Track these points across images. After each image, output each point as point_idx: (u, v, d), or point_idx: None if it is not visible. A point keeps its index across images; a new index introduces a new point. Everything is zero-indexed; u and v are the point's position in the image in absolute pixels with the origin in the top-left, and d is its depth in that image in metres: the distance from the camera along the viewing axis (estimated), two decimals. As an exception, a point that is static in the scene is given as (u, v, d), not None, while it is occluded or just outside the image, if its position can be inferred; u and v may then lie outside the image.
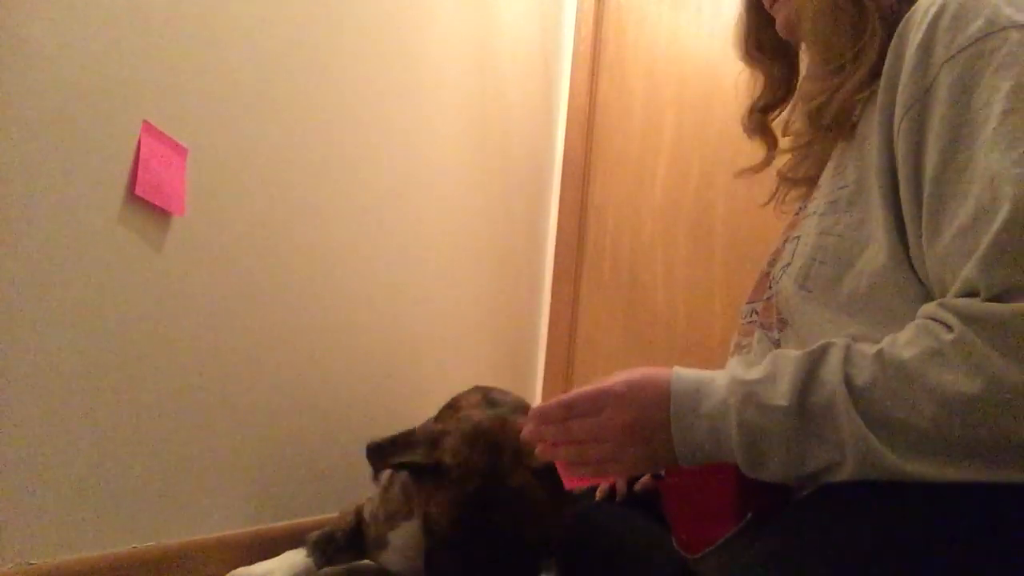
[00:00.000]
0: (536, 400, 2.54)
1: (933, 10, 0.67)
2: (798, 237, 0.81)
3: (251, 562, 1.17)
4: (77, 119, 0.90)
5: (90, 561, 0.92)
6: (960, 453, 0.58)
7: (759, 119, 0.98)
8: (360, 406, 1.50)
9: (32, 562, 0.86)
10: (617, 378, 0.72)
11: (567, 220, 2.61)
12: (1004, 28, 0.63)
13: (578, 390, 0.74)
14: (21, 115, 0.84)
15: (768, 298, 0.86)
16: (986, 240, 0.58)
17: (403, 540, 1.13)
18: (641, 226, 2.54)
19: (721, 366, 0.75)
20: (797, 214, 0.91)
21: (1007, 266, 0.57)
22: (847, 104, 0.76)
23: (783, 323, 0.82)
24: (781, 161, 0.96)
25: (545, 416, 0.76)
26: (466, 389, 1.27)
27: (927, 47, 0.66)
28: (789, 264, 0.79)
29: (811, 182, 0.91)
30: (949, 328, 0.59)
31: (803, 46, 0.91)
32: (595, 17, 2.65)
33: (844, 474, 0.62)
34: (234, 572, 1.08)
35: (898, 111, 0.68)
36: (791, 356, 0.65)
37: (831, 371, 0.63)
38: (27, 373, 0.86)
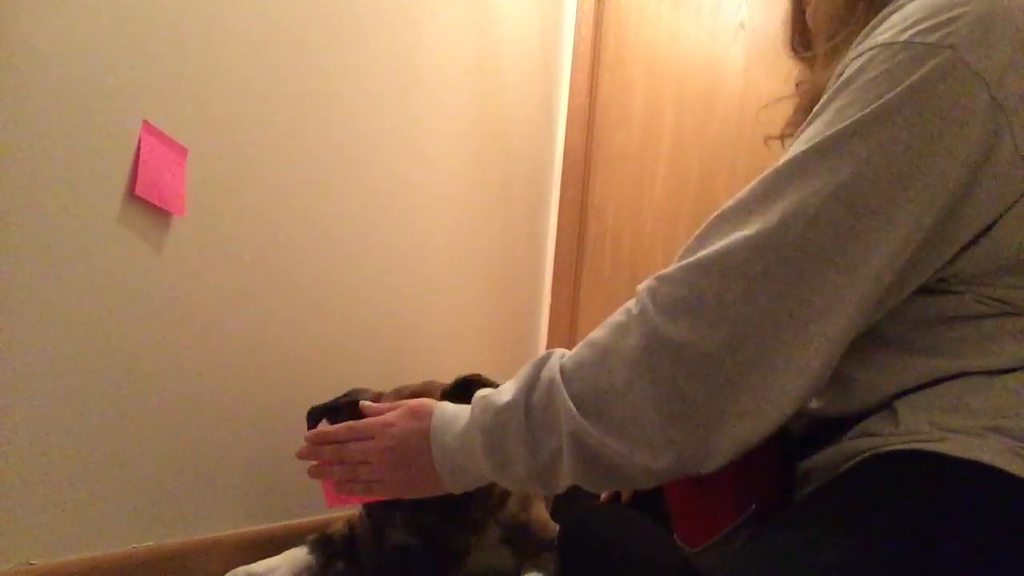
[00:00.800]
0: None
1: (892, 6, 0.67)
2: None
3: (251, 562, 1.17)
4: (77, 119, 0.90)
5: (90, 561, 0.92)
6: (647, 415, 0.62)
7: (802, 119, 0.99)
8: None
9: (32, 562, 0.86)
10: (395, 411, 0.81)
11: (567, 220, 2.61)
12: (889, 44, 0.62)
13: (352, 422, 0.83)
14: (21, 115, 0.84)
15: None
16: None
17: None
18: (641, 226, 2.54)
19: None
20: None
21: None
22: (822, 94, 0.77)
23: None
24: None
25: (325, 436, 0.85)
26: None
27: (877, 30, 0.67)
28: None
29: None
30: (637, 301, 0.67)
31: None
32: (595, 17, 2.65)
33: (567, 459, 0.66)
34: (235, 571, 1.08)
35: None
36: (523, 368, 0.72)
37: (551, 366, 0.69)
38: (27, 373, 0.86)
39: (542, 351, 2.54)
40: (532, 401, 0.69)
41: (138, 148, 0.98)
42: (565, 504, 1.18)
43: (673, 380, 0.61)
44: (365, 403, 0.88)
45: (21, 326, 0.85)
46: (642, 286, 0.68)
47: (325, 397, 1.41)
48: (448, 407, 0.78)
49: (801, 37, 0.97)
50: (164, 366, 1.05)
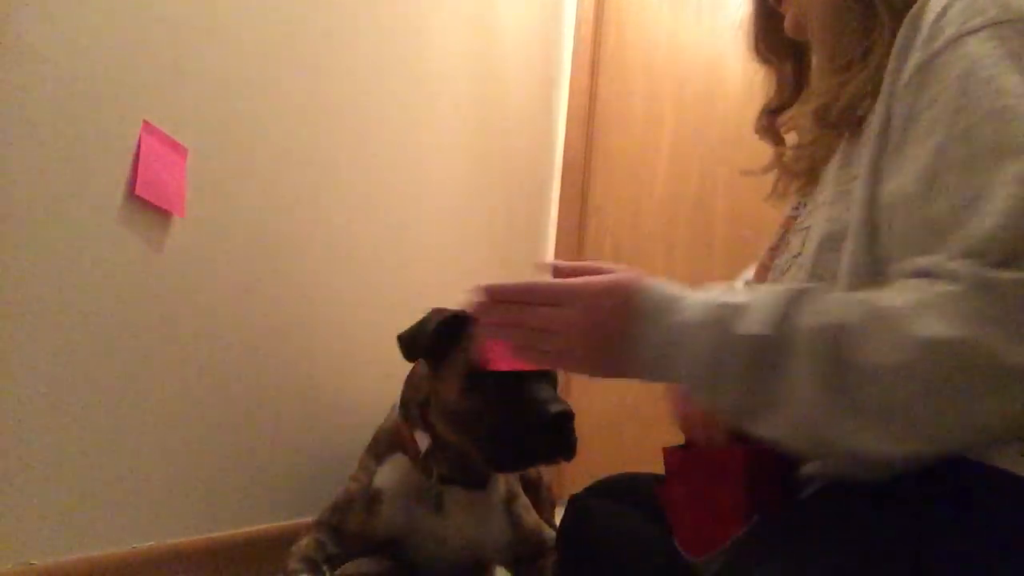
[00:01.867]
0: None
1: (933, 2, 0.67)
2: (808, 227, 0.80)
3: (251, 562, 1.17)
4: (77, 119, 0.90)
5: (90, 561, 0.92)
6: (907, 411, 0.56)
7: (768, 121, 0.98)
8: (361, 406, 1.50)
9: (32, 562, 0.86)
10: (595, 279, 0.70)
11: (567, 220, 2.61)
12: (1020, 19, 0.63)
13: (549, 281, 0.73)
14: (21, 115, 0.84)
15: None
16: (991, 210, 0.57)
17: (389, 475, 1.19)
18: (641, 225, 2.54)
19: None
20: (796, 208, 0.91)
21: (1012, 234, 0.56)
22: (853, 101, 0.76)
23: None
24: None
25: (500, 293, 0.72)
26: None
27: (941, 19, 0.66)
28: (799, 254, 0.79)
29: (811, 173, 0.91)
30: (945, 282, 0.57)
31: (812, 42, 0.91)
32: (595, 17, 2.65)
33: (780, 417, 0.60)
34: None
35: (900, 79, 0.68)
36: (773, 289, 0.63)
37: (809, 309, 0.60)
38: (27, 373, 0.86)
39: (542, 351, 2.54)
40: (776, 337, 0.60)
41: (138, 148, 0.98)
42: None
43: (983, 400, 0.54)
44: (557, 263, 0.77)
45: (21, 326, 0.85)
46: (957, 266, 0.57)
47: (326, 395, 1.41)
48: (660, 287, 0.68)
49: (765, 39, 0.97)
50: (164, 366, 1.05)
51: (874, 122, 0.72)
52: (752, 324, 0.61)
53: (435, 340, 1.13)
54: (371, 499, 1.17)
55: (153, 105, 1.01)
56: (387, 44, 1.58)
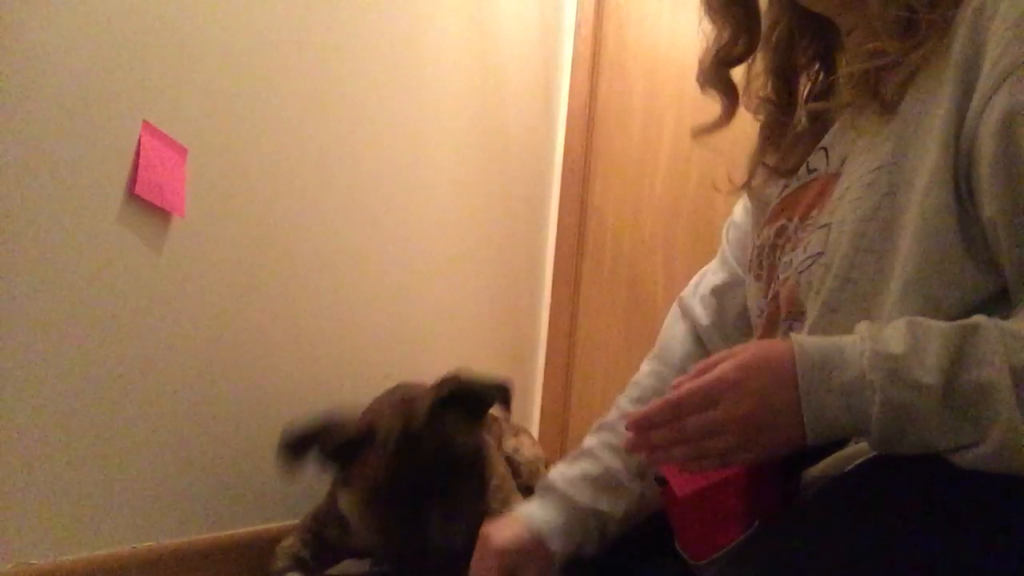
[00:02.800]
0: (536, 400, 2.53)
1: None
2: (829, 225, 0.75)
3: (251, 562, 1.17)
4: (77, 119, 0.90)
5: (90, 561, 0.92)
6: None
7: (721, 73, 0.95)
8: (361, 405, 1.50)
9: (32, 562, 0.86)
10: (726, 365, 0.66)
11: (567, 220, 2.61)
12: None
13: (684, 386, 0.67)
14: (21, 115, 0.84)
15: (774, 295, 0.84)
16: None
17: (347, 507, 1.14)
18: (641, 225, 2.53)
19: None
20: (784, 191, 0.89)
21: None
22: (901, 87, 0.72)
23: (799, 315, 0.79)
24: (740, 127, 0.93)
25: (650, 421, 0.69)
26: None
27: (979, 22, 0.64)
28: (823, 253, 0.75)
29: (794, 172, 0.88)
30: None
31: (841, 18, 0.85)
32: (595, 17, 2.65)
33: (974, 455, 0.58)
34: None
35: (986, 86, 0.65)
36: (935, 328, 0.61)
37: (989, 348, 0.58)
38: (27, 373, 0.86)
39: (542, 351, 2.55)
40: (959, 383, 0.58)
41: (138, 148, 0.98)
42: None
43: None
44: (678, 379, 0.70)
45: (21, 326, 0.85)
46: None
47: (326, 396, 1.41)
48: (808, 349, 0.64)
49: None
50: (164, 366, 1.05)
51: (935, 124, 0.68)
52: (930, 370, 0.59)
53: (324, 447, 1.03)
54: (343, 519, 1.14)
55: (153, 105, 1.01)
56: (387, 44, 1.58)
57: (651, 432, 0.69)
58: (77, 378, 0.92)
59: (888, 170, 0.71)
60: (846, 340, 0.64)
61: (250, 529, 1.21)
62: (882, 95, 0.73)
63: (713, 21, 0.95)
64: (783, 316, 0.81)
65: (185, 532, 1.09)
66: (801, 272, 0.78)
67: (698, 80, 0.97)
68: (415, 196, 1.72)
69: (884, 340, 0.62)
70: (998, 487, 0.58)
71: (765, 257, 0.88)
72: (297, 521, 1.24)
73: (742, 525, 0.75)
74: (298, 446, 1.02)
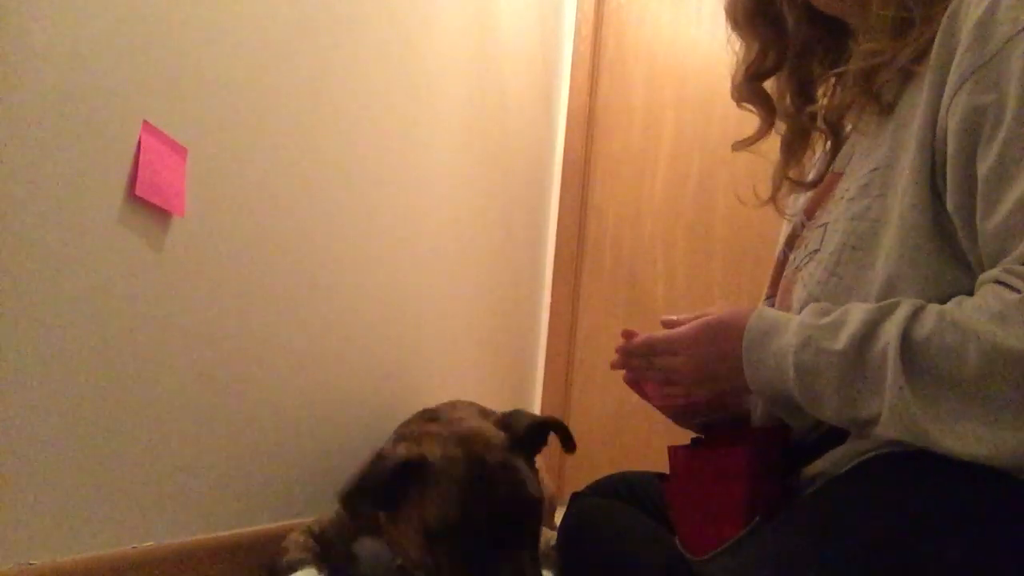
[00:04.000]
0: (537, 400, 2.54)
1: None
2: (826, 224, 0.79)
3: (251, 562, 1.17)
4: (77, 119, 0.90)
5: (90, 561, 0.92)
6: (995, 412, 0.57)
7: (754, 87, 0.97)
8: (361, 405, 1.50)
9: (32, 562, 0.86)
10: (695, 323, 0.80)
11: (567, 220, 2.61)
12: None
13: (659, 332, 0.85)
14: (21, 115, 0.84)
15: (781, 292, 0.87)
16: None
17: (370, 553, 1.14)
18: (641, 226, 2.54)
19: None
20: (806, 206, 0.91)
21: None
22: (896, 87, 0.74)
23: (789, 309, 0.82)
24: (772, 152, 0.96)
25: (631, 351, 0.87)
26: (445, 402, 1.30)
27: (987, 24, 0.65)
28: (818, 250, 0.78)
29: (815, 185, 0.91)
30: (1014, 290, 0.59)
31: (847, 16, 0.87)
32: (595, 17, 2.65)
33: (881, 428, 0.63)
34: None
35: (950, 87, 0.67)
36: (862, 307, 0.67)
37: (894, 323, 0.63)
38: (26, 373, 0.86)
39: (542, 351, 2.55)
40: (863, 352, 0.64)
41: (138, 148, 0.98)
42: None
43: None
44: (665, 318, 0.90)
45: (21, 326, 0.85)
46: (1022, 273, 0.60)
47: (326, 396, 1.41)
48: (759, 321, 0.74)
49: (744, 5, 0.94)
50: (164, 366, 1.05)
51: (913, 125, 0.70)
52: (839, 338, 0.66)
53: (381, 493, 0.97)
54: (349, 556, 1.14)
55: (153, 105, 1.01)
56: (387, 44, 1.58)
57: (631, 359, 0.88)
58: (77, 378, 0.92)
59: (882, 172, 0.74)
60: (795, 316, 0.72)
61: (250, 529, 1.21)
62: (878, 95, 0.77)
63: (741, 37, 0.98)
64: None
65: (185, 532, 1.09)
66: (799, 269, 0.82)
67: (732, 96, 1.00)
68: (415, 196, 1.72)
69: (818, 317, 0.69)
70: (996, 486, 0.58)
71: (782, 254, 0.92)
72: (296, 521, 1.24)
73: (741, 521, 0.75)
74: (357, 497, 0.97)
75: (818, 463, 0.74)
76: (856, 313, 0.66)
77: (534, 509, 0.97)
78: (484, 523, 0.91)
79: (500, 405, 1.27)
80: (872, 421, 0.64)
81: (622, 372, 0.91)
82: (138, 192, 0.98)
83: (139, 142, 0.98)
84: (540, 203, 2.56)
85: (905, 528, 0.58)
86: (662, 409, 0.89)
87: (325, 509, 1.34)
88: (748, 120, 1.01)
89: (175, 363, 1.07)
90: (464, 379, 1.97)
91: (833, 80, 0.92)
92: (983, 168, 0.64)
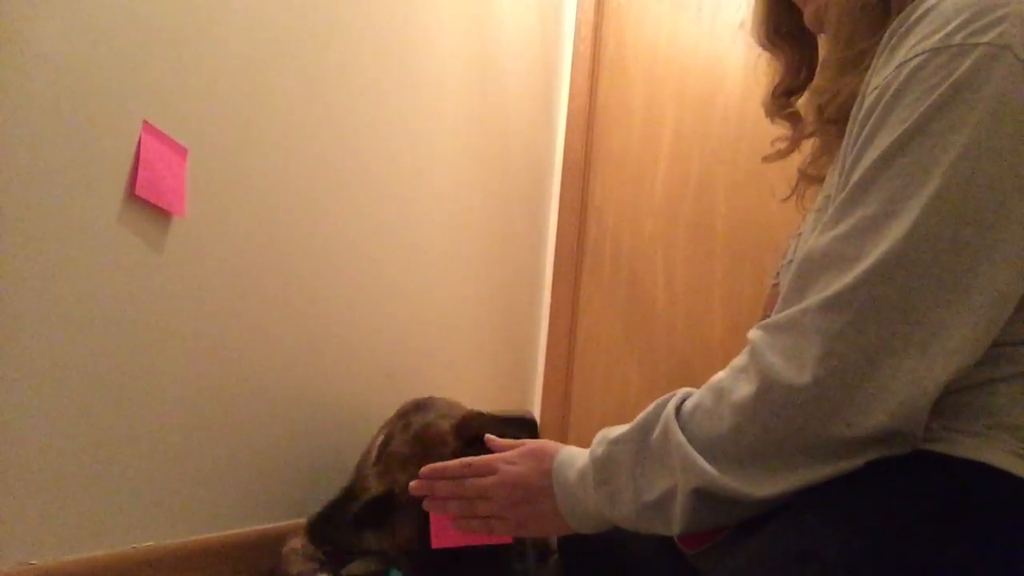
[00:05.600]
0: (537, 399, 2.54)
1: (920, 9, 0.66)
2: (800, 234, 0.81)
3: (251, 562, 1.17)
4: (77, 119, 0.90)
5: (90, 561, 0.92)
6: (761, 458, 0.62)
7: (781, 103, 0.98)
8: (361, 405, 1.50)
9: (32, 562, 0.86)
10: (518, 449, 0.83)
11: (567, 220, 2.61)
12: (947, 48, 0.61)
13: (479, 457, 0.86)
14: (21, 115, 0.84)
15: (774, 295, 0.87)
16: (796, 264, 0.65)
17: None
18: (641, 226, 2.54)
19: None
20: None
21: (797, 290, 0.63)
22: (849, 101, 0.76)
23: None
24: (804, 150, 0.97)
25: (441, 473, 0.86)
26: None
27: (896, 47, 0.66)
28: (791, 261, 0.80)
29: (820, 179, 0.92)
30: (751, 344, 0.65)
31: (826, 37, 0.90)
32: (595, 17, 2.65)
33: (681, 496, 0.66)
34: None
35: (867, 95, 0.68)
36: (651, 404, 0.72)
37: (670, 405, 0.69)
38: (27, 373, 0.86)
39: (542, 351, 2.55)
40: (649, 439, 0.69)
41: (138, 148, 0.98)
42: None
43: (787, 423, 0.61)
44: (489, 437, 0.89)
45: (21, 326, 0.85)
46: (752, 334, 0.66)
47: (326, 395, 1.41)
48: (572, 448, 0.80)
49: (774, 23, 0.96)
50: (164, 366, 1.05)
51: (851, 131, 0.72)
52: (620, 428, 0.73)
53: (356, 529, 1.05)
54: (352, 524, 1.13)
55: (153, 105, 1.01)
56: (387, 44, 1.58)
57: (438, 482, 0.86)
58: (77, 378, 0.92)
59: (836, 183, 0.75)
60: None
61: (250, 529, 1.21)
62: (829, 120, 0.80)
63: (771, 52, 0.99)
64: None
65: (185, 532, 1.09)
66: (775, 282, 0.86)
67: (766, 113, 1.01)
68: (415, 195, 1.72)
69: (613, 428, 0.75)
70: (992, 494, 0.58)
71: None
72: (297, 521, 1.24)
73: None
74: (323, 526, 1.05)
75: None
76: (644, 411, 0.72)
77: None
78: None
79: (500, 405, 1.27)
80: (668, 497, 0.67)
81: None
82: (138, 192, 0.98)
83: (139, 142, 0.98)
84: (540, 203, 2.56)
85: (901, 533, 0.58)
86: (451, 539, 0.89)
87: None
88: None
89: (175, 363, 1.07)
90: (464, 379, 1.97)
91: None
92: (856, 174, 0.65)
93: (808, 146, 0.97)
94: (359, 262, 1.51)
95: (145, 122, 0.99)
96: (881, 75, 0.66)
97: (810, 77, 0.96)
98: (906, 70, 0.63)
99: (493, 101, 2.13)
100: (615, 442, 0.72)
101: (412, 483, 0.87)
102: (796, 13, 0.90)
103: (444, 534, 0.87)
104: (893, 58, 0.66)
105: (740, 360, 0.66)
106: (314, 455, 1.38)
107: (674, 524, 0.68)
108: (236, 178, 1.18)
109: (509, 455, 0.83)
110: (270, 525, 1.25)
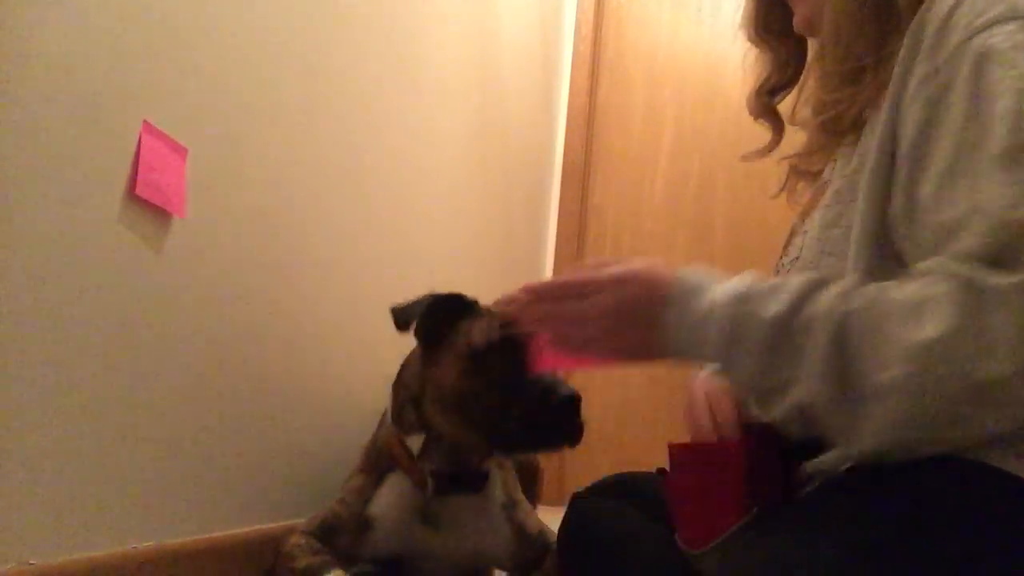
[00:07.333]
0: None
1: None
2: (806, 231, 0.81)
3: (251, 562, 1.17)
4: (77, 119, 0.90)
5: (90, 561, 0.92)
6: (902, 404, 0.57)
7: (765, 101, 0.97)
8: (362, 405, 1.50)
9: (32, 562, 0.86)
10: (612, 269, 0.73)
11: (567, 220, 2.61)
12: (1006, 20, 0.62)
13: (573, 275, 0.76)
14: (21, 115, 0.84)
15: None
16: (992, 208, 0.58)
17: (386, 500, 1.14)
18: (641, 226, 2.54)
19: None
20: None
21: (1013, 237, 0.57)
22: (863, 111, 0.75)
23: None
24: (788, 148, 0.96)
25: (535, 292, 0.77)
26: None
27: (942, 30, 0.66)
28: (798, 258, 0.80)
29: (820, 175, 0.91)
30: (944, 281, 0.58)
31: (819, 43, 0.89)
32: (595, 17, 2.65)
33: (791, 396, 0.62)
34: None
35: (907, 92, 0.68)
36: (802, 276, 0.66)
37: (828, 296, 0.63)
38: (27, 373, 0.86)
39: (542, 351, 2.54)
40: (792, 320, 0.63)
41: (138, 148, 0.98)
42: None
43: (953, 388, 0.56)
44: (581, 264, 0.83)
45: (21, 326, 0.85)
46: (958, 268, 0.58)
47: (326, 396, 1.41)
48: (691, 276, 0.71)
49: (764, 19, 0.95)
50: (163, 366, 1.05)
51: (877, 132, 0.71)
52: (771, 306, 0.64)
53: (429, 319, 1.08)
54: (361, 526, 1.13)
55: (153, 105, 1.01)
56: (387, 44, 1.58)
57: (535, 304, 0.78)
58: (77, 378, 0.92)
59: (850, 178, 0.75)
60: (729, 278, 0.70)
61: (250, 529, 1.21)
62: (841, 133, 0.78)
63: (759, 48, 0.97)
64: None
65: (185, 532, 1.09)
66: (785, 274, 0.83)
67: (749, 111, 0.99)
68: (415, 195, 1.72)
69: (754, 281, 0.68)
70: (995, 487, 0.58)
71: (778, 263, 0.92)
72: (297, 521, 1.24)
73: (738, 514, 0.76)
74: (407, 317, 1.09)
75: (822, 458, 0.74)
76: (792, 282, 0.65)
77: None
78: (522, 343, 0.97)
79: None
80: (780, 389, 0.63)
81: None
82: (138, 192, 0.98)
83: (139, 142, 0.98)
84: (540, 203, 2.56)
85: (905, 529, 0.58)
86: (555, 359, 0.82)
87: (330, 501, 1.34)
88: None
89: (175, 363, 1.07)
90: (464, 379, 1.97)
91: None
92: (933, 171, 0.64)
93: (796, 140, 0.96)
94: (359, 262, 1.51)
95: (145, 122, 0.99)
96: (935, 50, 0.65)
97: (796, 76, 0.95)
98: (969, 50, 0.63)
99: (493, 101, 2.13)
100: (755, 317, 0.64)
101: (509, 303, 0.82)
102: (787, 11, 0.89)
103: (544, 356, 0.81)
104: (948, 34, 0.65)
105: (923, 289, 0.59)
106: (314, 455, 1.38)
107: (776, 411, 0.65)
108: (236, 178, 1.18)
109: (609, 277, 0.73)
110: (270, 525, 1.25)
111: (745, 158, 1.00)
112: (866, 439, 0.59)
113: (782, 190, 0.98)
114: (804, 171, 0.93)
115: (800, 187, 0.97)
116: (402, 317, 1.09)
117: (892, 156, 0.70)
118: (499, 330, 1.03)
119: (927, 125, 0.65)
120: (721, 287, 0.69)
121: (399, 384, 1.19)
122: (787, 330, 0.63)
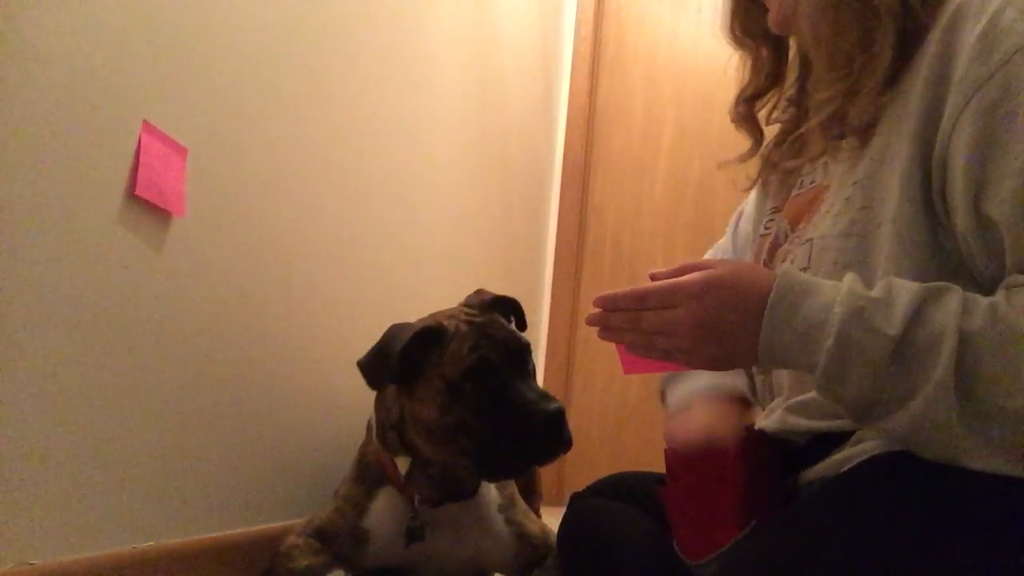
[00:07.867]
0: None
1: (996, 2, 0.65)
2: (811, 240, 0.78)
3: (251, 562, 1.17)
4: (77, 119, 0.90)
5: (90, 561, 0.92)
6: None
7: (745, 109, 0.95)
8: (361, 406, 1.50)
9: (32, 562, 0.86)
10: (698, 275, 0.70)
11: (567, 220, 2.61)
12: None
13: (654, 283, 0.73)
14: (21, 115, 0.84)
15: None
16: None
17: (380, 513, 1.13)
18: (641, 225, 2.54)
19: None
20: (786, 200, 0.91)
21: None
22: (871, 111, 0.74)
23: None
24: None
25: (613, 302, 0.74)
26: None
27: (990, 35, 0.65)
28: (807, 268, 0.77)
29: (798, 172, 0.90)
30: None
31: (801, 44, 0.88)
32: (595, 17, 2.65)
33: (903, 413, 0.61)
34: None
35: (955, 101, 0.66)
36: (908, 286, 0.64)
37: (948, 310, 0.61)
38: (27, 373, 0.86)
39: (542, 351, 2.55)
40: (913, 337, 0.61)
41: (138, 148, 0.98)
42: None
43: None
44: (655, 271, 0.76)
45: (21, 326, 0.85)
46: None
47: (325, 396, 1.41)
48: (790, 278, 0.68)
49: (741, 20, 0.93)
50: (163, 366, 1.05)
51: (904, 139, 0.70)
52: (892, 320, 0.62)
53: (403, 362, 1.03)
54: (357, 538, 1.13)
55: (153, 105, 1.01)
56: (387, 44, 1.58)
57: (613, 314, 0.74)
58: (77, 378, 0.92)
59: (863, 184, 0.73)
60: (830, 281, 0.67)
61: (250, 529, 1.21)
62: (851, 127, 0.76)
63: (740, 51, 0.96)
64: None
65: (185, 532, 1.09)
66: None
67: (732, 120, 0.98)
68: (415, 195, 1.72)
69: (862, 286, 0.65)
70: (993, 488, 0.58)
71: (765, 254, 0.90)
72: (297, 521, 1.24)
73: (736, 525, 0.75)
74: (378, 374, 1.08)
75: (817, 467, 0.74)
76: (903, 293, 0.63)
77: (529, 349, 1.11)
78: (496, 363, 1.03)
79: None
80: (891, 404, 0.62)
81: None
82: (138, 192, 0.98)
83: (139, 142, 0.98)
84: (540, 203, 2.56)
85: (902, 532, 0.58)
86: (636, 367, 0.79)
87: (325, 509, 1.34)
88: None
89: (174, 363, 1.07)
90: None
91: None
92: (1008, 181, 0.62)
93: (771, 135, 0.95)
94: (359, 262, 1.51)
95: (145, 122, 0.99)
96: (982, 60, 0.65)
97: (774, 83, 0.94)
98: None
99: (493, 101, 2.13)
100: (875, 332, 0.62)
101: (589, 316, 0.77)
102: (764, 12, 0.87)
103: (631, 361, 0.78)
104: (998, 43, 0.64)
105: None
106: (314, 455, 1.38)
107: (877, 423, 0.64)
108: (236, 178, 1.18)
109: (692, 284, 0.69)
110: (270, 525, 1.25)
111: (722, 166, 0.98)
112: (976, 460, 0.59)
113: (752, 185, 0.97)
114: (776, 163, 0.92)
115: (771, 180, 0.96)
116: (374, 376, 1.09)
117: (928, 161, 0.68)
118: (470, 354, 1.02)
119: (987, 136, 0.64)
120: (826, 295, 0.66)
121: (380, 405, 1.16)
122: (910, 346, 0.61)
